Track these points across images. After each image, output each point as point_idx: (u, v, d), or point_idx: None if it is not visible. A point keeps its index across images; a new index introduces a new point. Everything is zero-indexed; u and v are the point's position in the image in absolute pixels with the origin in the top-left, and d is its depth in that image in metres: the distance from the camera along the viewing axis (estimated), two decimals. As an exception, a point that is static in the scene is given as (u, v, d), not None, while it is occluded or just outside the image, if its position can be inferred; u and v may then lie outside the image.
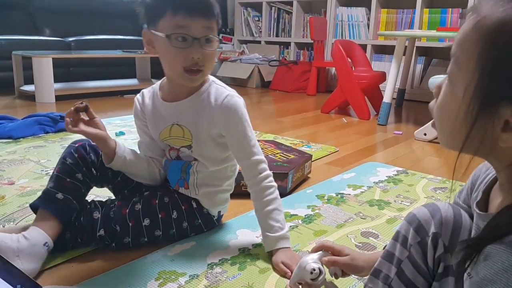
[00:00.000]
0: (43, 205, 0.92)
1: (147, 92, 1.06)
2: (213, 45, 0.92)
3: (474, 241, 0.45)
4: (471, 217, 0.60)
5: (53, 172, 0.96)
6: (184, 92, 0.98)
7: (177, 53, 0.89)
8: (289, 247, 0.96)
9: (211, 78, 1.01)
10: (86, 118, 0.94)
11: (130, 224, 0.96)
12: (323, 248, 0.78)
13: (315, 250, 0.79)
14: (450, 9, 3.19)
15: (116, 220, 0.95)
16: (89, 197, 1.02)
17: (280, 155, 1.50)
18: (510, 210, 0.44)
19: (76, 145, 0.99)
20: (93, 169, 0.99)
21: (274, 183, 0.99)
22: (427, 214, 0.60)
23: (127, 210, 0.96)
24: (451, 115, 0.47)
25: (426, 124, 2.15)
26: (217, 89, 0.98)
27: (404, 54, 2.54)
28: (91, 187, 1.01)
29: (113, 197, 1.07)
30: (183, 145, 1.01)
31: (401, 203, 1.32)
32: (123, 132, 2.15)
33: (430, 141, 2.13)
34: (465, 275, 0.54)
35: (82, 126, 0.93)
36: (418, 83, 3.49)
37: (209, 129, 0.98)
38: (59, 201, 0.92)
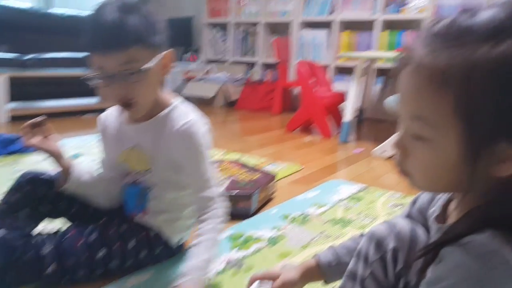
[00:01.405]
0: None
1: (114, 110, 1.02)
2: (138, 76, 0.83)
3: (431, 246, 0.46)
4: (427, 229, 0.63)
5: None
6: (148, 114, 0.94)
7: (105, 92, 0.86)
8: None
9: (177, 102, 0.96)
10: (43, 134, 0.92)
11: (84, 256, 0.90)
12: (256, 280, 0.78)
13: (249, 285, 0.79)
14: (408, 31, 3.35)
15: (68, 253, 0.88)
16: (40, 228, 0.97)
17: (244, 176, 1.51)
18: (465, 218, 0.47)
19: (26, 178, 0.95)
20: (43, 204, 0.95)
21: (216, 225, 0.89)
22: (385, 231, 0.63)
23: (81, 241, 0.90)
24: (442, 173, 0.46)
25: (385, 142, 2.22)
26: (179, 114, 0.93)
27: (364, 75, 2.63)
28: (38, 224, 0.96)
29: (64, 228, 1.01)
30: (141, 169, 0.98)
31: (362, 221, 1.35)
32: (79, 154, 2.07)
33: (389, 158, 2.20)
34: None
35: (38, 140, 0.91)
36: (377, 102, 3.62)
37: (167, 155, 0.93)
38: None
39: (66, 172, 0.95)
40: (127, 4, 0.83)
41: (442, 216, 0.55)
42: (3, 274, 0.84)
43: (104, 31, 0.81)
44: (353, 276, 0.66)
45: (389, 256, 0.62)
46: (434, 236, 0.55)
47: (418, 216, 0.68)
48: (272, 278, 0.76)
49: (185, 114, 0.94)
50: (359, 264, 0.65)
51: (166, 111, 0.94)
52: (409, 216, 0.69)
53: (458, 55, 0.40)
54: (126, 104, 0.88)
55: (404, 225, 0.63)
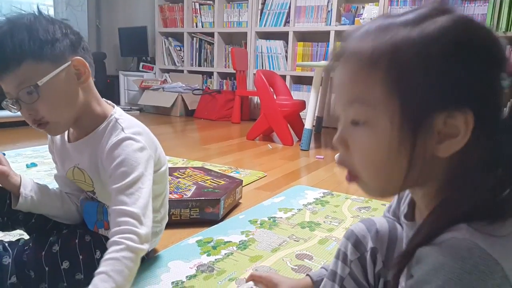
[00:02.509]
0: None
1: None
2: (36, 94, 0.76)
3: (405, 251, 0.46)
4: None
5: None
6: (82, 131, 0.87)
7: (22, 114, 0.80)
8: None
9: (116, 114, 0.87)
10: None
11: (47, 269, 0.85)
12: (253, 279, 0.77)
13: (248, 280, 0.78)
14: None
15: (30, 265, 0.83)
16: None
17: (211, 181, 1.48)
18: (433, 215, 0.46)
19: None
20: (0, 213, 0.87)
21: (131, 243, 0.71)
22: (364, 229, 0.62)
23: (43, 253, 0.85)
24: (385, 156, 0.44)
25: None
26: (114, 128, 0.84)
27: (320, 84, 2.69)
28: None
29: (27, 236, 0.95)
30: (87, 190, 0.92)
31: (330, 224, 1.35)
32: (35, 163, 1.95)
33: (350, 164, 2.25)
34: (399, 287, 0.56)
35: None
36: (334, 111, 3.72)
37: (105, 174, 0.83)
38: None
39: (15, 192, 0.88)
40: (10, 21, 0.77)
41: (411, 213, 0.55)
42: None
43: None
44: (333, 276, 0.65)
45: (368, 256, 0.61)
46: (406, 233, 0.55)
47: (395, 212, 0.68)
48: (268, 285, 0.74)
49: (118, 129, 0.84)
50: (338, 264, 0.65)
51: (102, 125, 0.86)
52: (385, 217, 0.69)
53: (382, 37, 0.43)
54: (39, 124, 0.81)
55: (383, 223, 0.63)
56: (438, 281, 0.39)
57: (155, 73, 4.64)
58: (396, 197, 0.68)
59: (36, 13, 0.80)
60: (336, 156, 0.50)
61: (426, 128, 0.42)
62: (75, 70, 0.80)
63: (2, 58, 0.75)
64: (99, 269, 0.68)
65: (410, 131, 0.42)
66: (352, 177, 0.48)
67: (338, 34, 3.57)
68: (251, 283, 0.75)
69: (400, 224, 0.64)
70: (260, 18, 3.99)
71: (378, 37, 0.43)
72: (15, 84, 0.76)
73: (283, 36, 3.87)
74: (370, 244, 0.61)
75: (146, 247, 0.73)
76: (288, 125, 2.90)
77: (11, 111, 0.80)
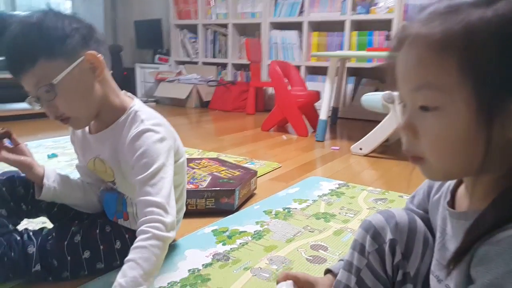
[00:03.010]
0: None
1: None
2: (54, 92, 0.78)
3: (462, 245, 0.44)
4: (425, 221, 0.62)
5: None
6: (103, 123, 0.89)
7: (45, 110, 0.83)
8: None
9: (135, 106, 0.88)
10: (10, 145, 0.87)
11: (69, 258, 0.88)
12: (288, 278, 0.73)
13: (281, 280, 0.74)
14: (377, 31, 3.43)
15: (53, 254, 0.87)
16: (22, 225, 0.93)
17: (225, 172, 1.49)
18: (495, 207, 0.44)
19: (4, 177, 0.90)
20: (22, 204, 0.90)
21: (157, 231, 0.73)
22: (382, 221, 0.61)
23: (65, 243, 0.88)
24: (461, 140, 0.43)
25: (361, 139, 2.25)
26: (134, 120, 0.85)
27: (335, 75, 2.67)
28: (19, 223, 0.92)
29: (49, 227, 0.98)
30: (108, 180, 0.94)
31: (345, 215, 1.35)
32: (55, 154, 2.00)
33: (366, 155, 2.23)
34: (436, 282, 0.54)
35: (4, 153, 0.85)
36: (350, 101, 3.68)
37: (126, 165, 0.86)
38: None
39: (39, 183, 0.90)
40: (20, 21, 0.78)
41: (451, 202, 0.53)
42: None
43: (8, 59, 0.79)
44: (349, 266, 0.64)
45: (387, 247, 0.60)
46: (453, 225, 0.52)
47: (420, 204, 0.67)
48: (305, 286, 0.72)
49: (138, 121, 0.85)
50: (354, 255, 0.64)
51: (123, 117, 0.87)
52: (408, 208, 0.68)
53: (453, 20, 0.41)
54: (62, 120, 0.83)
55: (402, 215, 0.61)
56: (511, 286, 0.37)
57: (170, 65, 4.66)
58: (423, 187, 0.66)
59: (46, 10, 0.80)
60: (403, 142, 0.48)
61: (503, 112, 0.41)
62: (89, 65, 0.81)
63: (17, 60, 0.77)
64: (128, 257, 0.71)
65: (487, 115, 0.41)
66: (417, 159, 0.47)
67: (354, 23, 3.52)
68: (291, 282, 0.73)
69: (423, 217, 0.63)
70: (274, 8, 3.96)
71: (448, 19, 0.42)
72: (33, 83, 0.78)
73: (297, 26, 3.84)
74: (389, 236, 0.60)
75: (172, 234, 0.76)
76: (303, 116, 2.89)
77: (35, 108, 0.83)
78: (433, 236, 0.60)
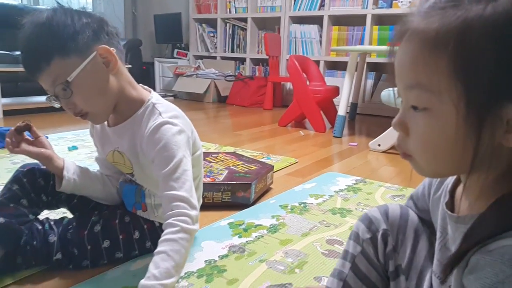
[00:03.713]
0: None
1: None
2: (70, 89, 0.79)
3: (458, 250, 0.44)
4: (423, 219, 0.63)
5: None
6: (121, 116, 0.90)
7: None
8: None
9: (153, 99, 0.89)
10: (31, 138, 0.90)
11: (89, 247, 0.90)
12: None
13: None
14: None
15: (73, 243, 0.89)
16: (43, 215, 0.95)
17: (242, 166, 1.50)
18: (492, 213, 0.43)
19: (25, 169, 0.92)
20: (42, 195, 0.92)
21: (185, 225, 0.75)
22: (377, 212, 0.64)
23: (85, 232, 0.90)
24: (448, 143, 0.42)
25: (380, 135, 2.23)
26: (152, 113, 0.86)
27: (355, 70, 2.64)
28: (39, 213, 0.94)
29: (69, 217, 1.01)
30: (126, 172, 0.96)
31: (362, 210, 1.35)
32: (76, 146, 2.05)
33: (384, 152, 2.21)
34: (438, 283, 0.54)
35: (25, 146, 0.88)
36: (369, 97, 3.64)
37: (144, 158, 0.87)
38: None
39: (59, 175, 0.92)
40: (32, 22, 0.79)
41: (451, 202, 0.53)
42: (13, 258, 0.85)
43: (23, 61, 0.81)
44: (344, 254, 0.66)
45: (379, 235, 0.62)
46: (450, 227, 0.52)
47: (421, 203, 0.66)
48: None
49: (156, 114, 0.86)
50: (350, 243, 0.66)
51: (141, 110, 0.88)
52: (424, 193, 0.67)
53: (451, 15, 0.39)
54: (81, 116, 0.85)
55: (395, 209, 0.63)
56: None
57: (188, 60, 4.70)
58: (423, 184, 0.65)
59: (55, 7, 0.81)
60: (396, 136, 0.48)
61: (493, 117, 0.39)
62: (102, 59, 0.82)
63: (33, 61, 0.79)
64: (158, 249, 0.72)
65: (476, 119, 0.39)
66: (407, 155, 0.47)
67: (375, 17, 3.47)
68: None
69: (424, 217, 0.62)
70: (294, 2, 3.94)
71: (446, 14, 0.40)
72: (49, 82, 0.80)
73: (317, 20, 3.81)
74: (383, 226, 0.62)
75: (197, 227, 0.78)
76: (321, 112, 2.87)
77: (55, 106, 0.85)
78: (433, 233, 0.61)
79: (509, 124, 0.39)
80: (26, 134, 0.90)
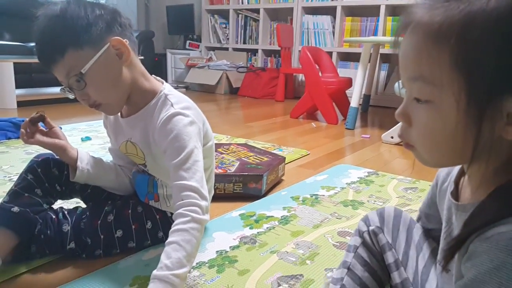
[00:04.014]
0: None
1: None
2: (84, 81, 0.80)
3: (458, 236, 0.45)
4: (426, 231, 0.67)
5: (11, 187, 0.90)
6: (134, 107, 0.90)
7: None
8: None
9: (165, 90, 0.89)
10: (45, 128, 0.91)
11: (102, 237, 0.91)
12: None
13: None
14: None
15: (86, 232, 0.90)
16: (57, 204, 0.97)
17: (254, 158, 1.49)
18: (491, 200, 0.44)
19: (39, 159, 0.93)
20: (56, 185, 0.93)
21: (195, 215, 0.75)
22: (375, 214, 0.70)
23: (99, 222, 0.92)
24: (449, 135, 0.43)
25: (393, 128, 2.20)
26: (164, 104, 0.86)
27: (368, 61, 2.60)
28: (53, 203, 0.95)
29: (82, 206, 1.02)
30: (139, 163, 0.97)
31: (374, 203, 1.34)
32: (89, 137, 2.07)
33: (397, 144, 2.18)
34: (438, 267, 0.55)
35: (39, 137, 0.89)
36: (382, 89, 3.60)
37: (157, 148, 0.88)
38: (14, 214, 0.85)
39: (73, 165, 0.93)
40: (45, 15, 0.80)
41: (455, 192, 0.54)
42: (27, 246, 0.87)
43: (38, 53, 0.81)
44: (348, 247, 0.71)
45: (370, 231, 0.68)
46: (453, 214, 0.53)
47: (432, 197, 0.67)
48: None
49: (168, 105, 0.86)
50: (353, 238, 0.71)
51: (153, 101, 0.88)
52: (432, 196, 0.68)
53: (455, 8, 0.40)
54: (94, 107, 0.85)
55: (390, 210, 0.69)
56: (500, 280, 0.37)
57: (200, 51, 4.69)
58: (442, 172, 0.65)
59: None
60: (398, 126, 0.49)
61: (494, 110, 0.40)
62: (115, 50, 0.82)
63: (47, 53, 0.80)
64: (170, 239, 0.72)
65: (477, 112, 0.40)
66: (409, 146, 0.48)
67: (389, 8, 3.42)
68: None
69: (436, 220, 0.64)
70: (306, -7, 3.90)
71: (450, 7, 0.40)
72: (64, 74, 0.81)
73: (330, 11, 3.77)
74: (376, 224, 0.68)
75: (207, 217, 0.78)
76: (333, 104, 2.85)
77: (69, 97, 0.85)
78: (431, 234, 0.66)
79: (510, 117, 0.40)
80: (40, 125, 0.91)
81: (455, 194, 0.53)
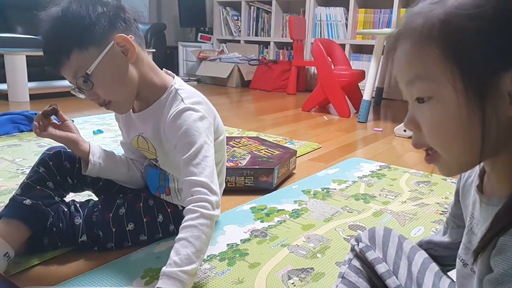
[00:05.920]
0: (5, 213, 0.85)
1: None
2: (88, 84, 0.80)
3: (488, 233, 0.45)
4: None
5: (23, 180, 0.91)
6: (144, 102, 0.90)
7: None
8: None
9: (176, 85, 0.89)
10: (57, 121, 0.91)
11: (114, 229, 0.92)
12: None
13: None
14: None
15: (98, 225, 0.91)
16: (68, 197, 0.98)
17: (265, 151, 1.49)
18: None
19: (51, 152, 0.93)
20: (68, 178, 0.94)
21: (205, 211, 0.75)
22: (366, 233, 0.73)
23: (111, 215, 0.92)
24: (456, 126, 0.43)
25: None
26: (174, 99, 0.86)
27: (382, 54, 2.57)
28: (65, 196, 0.96)
29: (94, 199, 1.03)
30: (150, 158, 0.97)
31: (386, 197, 1.32)
32: (101, 130, 2.09)
33: (410, 137, 2.15)
34: (461, 266, 0.55)
35: (51, 130, 0.89)
36: (395, 82, 3.55)
37: (167, 143, 0.88)
38: (26, 206, 0.86)
39: (85, 159, 0.94)
40: (49, 16, 0.79)
41: (481, 186, 0.54)
42: (40, 239, 0.88)
43: (45, 56, 0.81)
44: (343, 262, 0.73)
45: (358, 250, 0.71)
46: (477, 206, 0.53)
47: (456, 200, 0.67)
48: None
49: (178, 100, 0.86)
50: (349, 254, 0.73)
51: (164, 96, 0.88)
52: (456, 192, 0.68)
53: (433, 9, 0.43)
54: (105, 105, 0.85)
55: (379, 229, 0.72)
56: None
57: (212, 44, 4.69)
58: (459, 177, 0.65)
59: None
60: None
61: (493, 91, 0.40)
62: (120, 48, 0.81)
63: (54, 55, 0.80)
64: (179, 236, 0.73)
65: (476, 96, 0.41)
66: (431, 158, 0.48)
67: (403, 0, 3.36)
68: None
69: (458, 226, 0.65)
70: (319, -15, 3.85)
71: (430, 9, 0.43)
72: (71, 75, 0.81)
73: (343, 2, 3.72)
74: (366, 242, 0.71)
75: (218, 212, 0.77)
76: (346, 96, 2.82)
77: (80, 97, 0.86)
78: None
79: (511, 95, 0.40)
80: (53, 118, 0.92)
81: (480, 188, 0.53)
